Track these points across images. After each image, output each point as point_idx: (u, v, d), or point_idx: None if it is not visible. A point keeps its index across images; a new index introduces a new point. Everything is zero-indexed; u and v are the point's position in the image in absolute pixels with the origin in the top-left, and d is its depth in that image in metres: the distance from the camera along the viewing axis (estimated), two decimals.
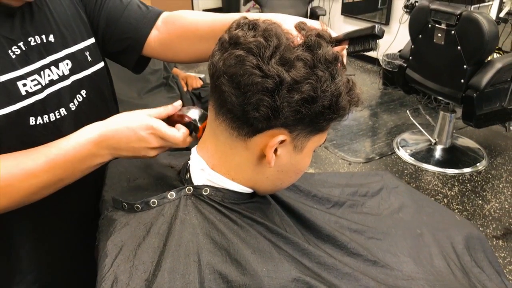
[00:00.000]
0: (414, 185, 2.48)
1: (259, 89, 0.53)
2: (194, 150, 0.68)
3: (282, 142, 0.58)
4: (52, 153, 0.63)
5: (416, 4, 3.31)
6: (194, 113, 0.71)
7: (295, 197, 0.82)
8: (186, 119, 0.71)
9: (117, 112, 0.75)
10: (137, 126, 0.65)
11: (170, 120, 0.71)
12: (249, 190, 0.67)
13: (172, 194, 0.64)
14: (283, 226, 0.69)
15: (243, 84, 0.53)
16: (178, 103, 0.73)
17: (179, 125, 0.70)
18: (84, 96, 0.79)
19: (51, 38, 0.73)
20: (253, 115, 0.55)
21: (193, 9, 5.92)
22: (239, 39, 0.55)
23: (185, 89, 2.39)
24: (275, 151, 0.59)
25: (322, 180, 0.94)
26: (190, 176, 0.67)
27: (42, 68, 0.70)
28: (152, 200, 0.64)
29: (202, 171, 0.65)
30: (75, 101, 0.77)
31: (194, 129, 0.71)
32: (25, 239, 0.77)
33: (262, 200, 0.70)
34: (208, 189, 0.64)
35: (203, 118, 0.72)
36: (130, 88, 2.07)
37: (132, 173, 0.78)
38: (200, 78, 2.54)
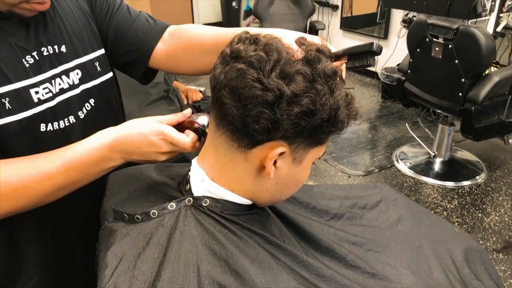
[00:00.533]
0: (413, 198, 2.48)
1: (259, 102, 0.54)
2: (194, 161, 0.69)
3: (281, 154, 0.59)
4: (68, 156, 0.65)
5: (414, 18, 3.36)
6: (203, 119, 0.74)
7: (294, 209, 0.82)
8: (195, 125, 0.73)
9: (124, 121, 0.77)
10: (148, 132, 0.68)
11: (181, 127, 0.74)
12: (248, 202, 0.67)
13: (172, 205, 0.65)
14: (282, 238, 0.69)
15: (243, 97, 0.55)
16: (188, 110, 0.75)
17: (188, 131, 0.73)
18: (93, 104, 0.82)
19: (63, 48, 0.76)
20: (253, 127, 0.56)
21: (193, 23, 5.99)
22: (240, 53, 0.57)
23: (185, 102, 2.41)
24: (275, 163, 0.60)
25: (321, 192, 0.94)
26: (190, 187, 0.68)
27: (54, 77, 0.73)
28: (153, 211, 0.65)
29: (202, 182, 0.65)
30: (84, 109, 0.80)
31: (202, 134, 0.73)
32: (30, 243, 0.78)
33: (261, 212, 0.71)
34: (208, 200, 0.64)
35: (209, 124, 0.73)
36: (130, 101, 2.09)
37: (133, 184, 0.78)
38: (200, 91, 2.56)
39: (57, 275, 0.84)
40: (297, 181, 0.66)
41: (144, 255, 0.59)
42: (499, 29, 3.14)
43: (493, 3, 3.01)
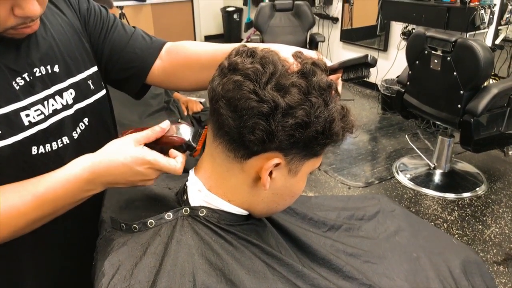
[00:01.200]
0: (413, 210, 2.48)
1: (255, 113, 0.55)
2: (191, 171, 0.69)
3: (277, 165, 0.60)
4: (39, 191, 0.61)
5: (413, 31, 3.40)
6: (185, 133, 0.70)
7: (291, 220, 0.82)
8: (178, 140, 0.69)
9: (117, 137, 0.76)
10: (131, 162, 0.64)
11: (161, 142, 0.69)
12: (245, 212, 0.68)
13: (169, 215, 0.65)
14: (278, 248, 0.69)
15: (240, 108, 0.56)
16: (166, 124, 0.70)
17: (174, 152, 0.69)
18: (87, 124, 0.80)
19: (56, 68, 0.74)
20: (248, 138, 0.57)
21: (195, 34, 6.05)
22: (237, 65, 0.58)
23: (185, 113, 2.42)
24: (270, 174, 0.61)
25: (319, 203, 0.94)
26: (187, 197, 0.68)
27: (46, 98, 0.71)
28: (150, 220, 0.65)
29: (199, 192, 0.66)
30: (78, 129, 0.78)
31: (188, 148, 0.70)
32: (26, 254, 0.77)
33: (257, 222, 0.71)
34: (205, 210, 0.65)
35: (196, 135, 0.70)
36: (131, 112, 2.10)
37: (130, 194, 0.79)
38: (200, 102, 2.57)
39: (54, 284, 0.84)
40: (292, 193, 0.67)
41: (141, 264, 0.59)
42: (497, 41, 3.17)
43: (491, 16, 3.04)
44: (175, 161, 0.67)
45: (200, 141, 0.70)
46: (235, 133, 0.58)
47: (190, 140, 0.69)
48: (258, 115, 0.55)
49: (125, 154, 0.64)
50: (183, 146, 0.69)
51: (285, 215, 0.82)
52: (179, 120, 0.71)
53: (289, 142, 0.57)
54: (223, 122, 0.58)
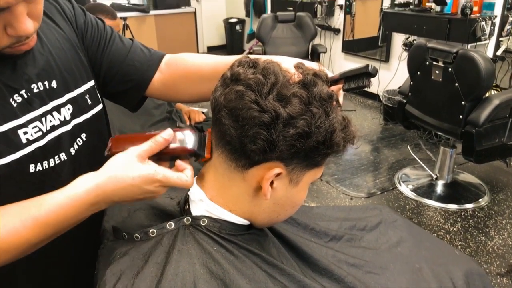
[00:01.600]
0: (416, 221, 2.46)
1: (256, 123, 0.56)
2: (193, 180, 0.70)
3: (278, 175, 0.60)
4: (41, 215, 0.58)
5: (414, 42, 3.42)
6: (190, 141, 0.66)
7: (292, 230, 0.82)
8: (184, 150, 0.65)
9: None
10: (141, 181, 0.61)
11: (165, 153, 0.65)
12: (246, 222, 0.68)
13: (171, 224, 0.66)
14: (280, 258, 0.69)
15: (241, 118, 0.56)
16: (169, 134, 0.65)
17: (182, 164, 0.65)
18: (84, 139, 0.79)
19: (54, 84, 0.72)
20: (250, 147, 0.57)
21: (197, 45, 6.09)
22: (239, 76, 0.59)
23: (188, 123, 2.43)
24: (271, 183, 0.61)
25: (321, 213, 0.94)
26: (189, 207, 0.69)
27: (44, 114, 0.70)
28: (151, 230, 0.65)
29: (201, 201, 0.66)
30: (75, 145, 0.76)
31: (195, 156, 0.66)
32: (23, 265, 0.77)
33: (259, 232, 0.71)
34: (206, 220, 0.65)
35: (201, 142, 0.67)
36: (133, 122, 2.11)
37: (133, 203, 0.79)
38: (202, 112, 2.58)
39: None
40: (293, 203, 0.67)
41: (142, 274, 0.59)
42: (499, 52, 3.19)
43: (492, 28, 3.07)
44: (185, 175, 0.64)
45: (207, 148, 0.67)
46: (236, 142, 0.58)
47: (197, 148, 0.66)
48: (260, 124, 0.56)
49: (133, 173, 0.60)
50: (188, 156, 0.66)
51: (287, 225, 0.82)
52: (179, 125, 0.67)
53: (290, 152, 0.58)
54: (225, 132, 0.59)
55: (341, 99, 0.69)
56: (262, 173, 0.60)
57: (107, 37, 0.85)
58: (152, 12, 5.32)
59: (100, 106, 0.85)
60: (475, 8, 3.06)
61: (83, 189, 0.60)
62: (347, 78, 0.71)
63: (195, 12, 5.72)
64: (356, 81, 0.70)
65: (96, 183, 0.60)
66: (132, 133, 0.68)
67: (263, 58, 0.64)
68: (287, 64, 0.65)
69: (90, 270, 0.71)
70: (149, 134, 0.65)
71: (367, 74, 0.68)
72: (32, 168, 0.68)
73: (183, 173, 0.64)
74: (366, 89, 0.70)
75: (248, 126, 0.56)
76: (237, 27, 6.45)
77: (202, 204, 0.66)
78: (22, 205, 0.60)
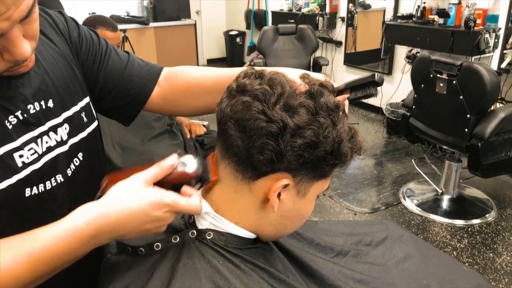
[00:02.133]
0: (421, 237, 2.43)
1: (263, 133, 0.55)
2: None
3: (285, 186, 0.59)
4: (36, 250, 0.53)
5: (418, 54, 3.43)
6: (193, 165, 0.64)
7: (298, 245, 0.81)
8: (190, 175, 0.63)
9: (107, 169, 0.69)
10: (149, 206, 0.57)
11: (170, 179, 0.62)
12: (252, 235, 0.67)
13: (176, 238, 0.64)
14: (285, 273, 0.68)
15: (248, 128, 0.56)
16: (174, 159, 0.62)
17: (188, 190, 0.62)
18: (81, 159, 0.75)
19: (50, 103, 0.69)
20: (257, 158, 0.56)
21: (197, 58, 6.11)
22: (246, 87, 0.59)
23: (188, 136, 2.43)
24: (279, 195, 0.60)
25: (326, 228, 0.93)
26: (194, 220, 0.67)
27: (40, 135, 0.66)
28: (156, 243, 0.64)
29: (206, 214, 0.65)
30: (72, 166, 0.73)
31: (200, 181, 0.64)
32: None
33: (265, 246, 0.70)
34: (212, 233, 0.64)
35: (205, 166, 0.65)
36: (133, 135, 2.10)
37: (135, 238, 0.78)
38: (203, 125, 2.58)
39: None
40: (301, 215, 0.66)
41: None
42: (503, 65, 3.18)
43: (496, 40, 3.07)
44: (194, 200, 0.61)
45: (212, 170, 0.65)
46: (243, 153, 0.58)
47: (201, 172, 0.64)
48: (267, 135, 0.55)
49: (139, 198, 0.57)
50: (192, 182, 0.63)
51: (292, 240, 0.81)
52: (179, 152, 0.64)
53: (298, 163, 0.57)
54: (232, 143, 0.58)
55: (346, 109, 0.69)
56: (270, 185, 0.59)
57: (102, 51, 0.82)
58: (152, 24, 5.33)
59: (96, 123, 0.82)
60: (479, 21, 3.07)
61: (83, 220, 0.55)
62: (353, 88, 0.70)
63: (195, 25, 5.75)
64: (362, 90, 0.70)
65: (97, 213, 0.56)
66: (127, 168, 0.65)
67: (268, 69, 0.64)
68: (293, 75, 0.65)
69: (92, 284, 0.70)
70: (147, 165, 0.62)
71: (373, 83, 0.68)
72: (28, 192, 0.64)
73: (193, 199, 0.61)
74: (369, 102, 0.69)
75: (255, 136, 0.55)
76: (238, 39, 6.50)
77: (207, 217, 0.65)
78: (16, 239, 0.55)
